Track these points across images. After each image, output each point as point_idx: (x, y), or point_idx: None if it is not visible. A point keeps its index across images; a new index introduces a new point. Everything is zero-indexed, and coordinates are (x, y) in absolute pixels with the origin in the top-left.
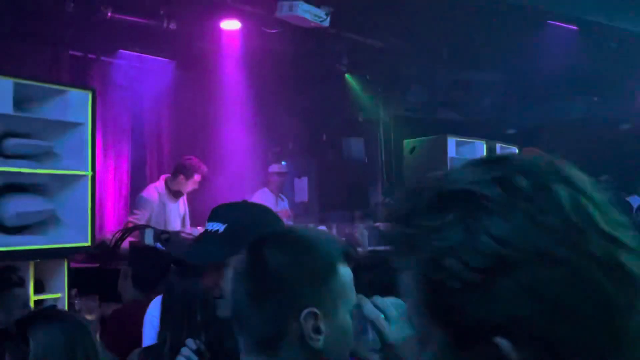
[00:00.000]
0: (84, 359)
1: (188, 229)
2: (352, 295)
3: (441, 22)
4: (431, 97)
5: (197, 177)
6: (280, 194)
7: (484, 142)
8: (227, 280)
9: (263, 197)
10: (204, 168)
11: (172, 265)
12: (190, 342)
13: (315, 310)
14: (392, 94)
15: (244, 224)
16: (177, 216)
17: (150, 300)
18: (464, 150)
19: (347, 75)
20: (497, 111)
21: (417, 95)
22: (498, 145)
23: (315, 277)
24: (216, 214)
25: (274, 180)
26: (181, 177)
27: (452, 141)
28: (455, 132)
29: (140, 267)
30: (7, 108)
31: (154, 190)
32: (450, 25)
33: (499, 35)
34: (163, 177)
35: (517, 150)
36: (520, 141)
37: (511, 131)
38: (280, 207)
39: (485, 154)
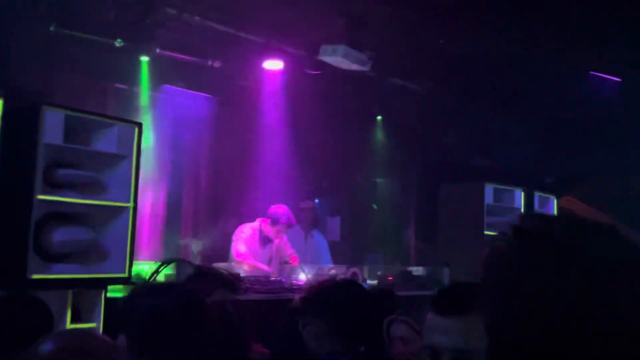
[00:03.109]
0: None
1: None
2: None
3: (479, 68)
4: (467, 143)
5: (280, 228)
6: (313, 231)
7: (521, 190)
8: None
9: (293, 234)
10: (291, 218)
11: None
12: None
13: None
14: (428, 138)
15: None
16: (264, 259)
17: None
18: (502, 198)
19: (378, 118)
20: (536, 159)
21: (453, 140)
22: (536, 195)
23: None
24: None
25: (303, 216)
26: (267, 222)
27: (489, 188)
28: (493, 179)
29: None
30: (58, 139)
31: (249, 229)
32: (489, 71)
33: (540, 81)
34: (259, 220)
35: (555, 200)
36: (559, 190)
37: (550, 180)
38: (309, 244)
39: (522, 202)
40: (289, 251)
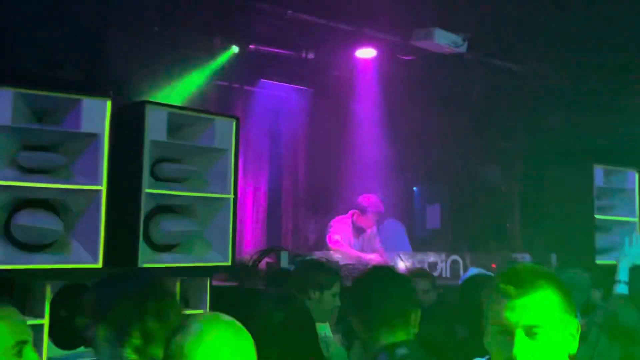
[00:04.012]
0: None
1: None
2: None
3: (586, 42)
4: (574, 123)
5: (370, 216)
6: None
7: (635, 170)
8: None
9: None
10: (379, 207)
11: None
12: None
13: None
14: (533, 120)
15: None
16: (358, 249)
17: None
18: (613, 179)
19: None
20: None
21: (560, 121)
22: None
23: None
24: None
25: None
26: (357, 213)
27: (599, 170)
28: (603, 160)
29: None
30: (162, 135)
31: (342, 221)
32: (597, 45)
33: None
34: (351, 211)
35: None
36: None
37: None
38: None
39: (637, 183)
40: (377, 245)
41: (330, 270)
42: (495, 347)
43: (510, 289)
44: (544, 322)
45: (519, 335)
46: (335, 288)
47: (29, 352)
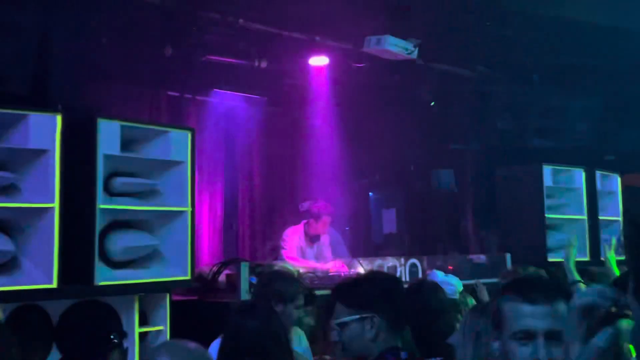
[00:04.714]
0: None
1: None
2: None
3: (531, 47)
4: (523, 125)
5: (325, 219)
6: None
7: (582, 169)
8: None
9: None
10: (330, 209)
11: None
12: None
13: None
14: (483, 123)
15: None
16: (312, 259)
17: None
18: (561, 179)
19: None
20: (595, 137)
21: (508, 123)
22: (598, 173)
23: None
24: None
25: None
26: (311, 220)
27: (547, 170)
28: (550, 160)
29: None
30: (115, 149)
31: (295, 231)
32: (541, 50)
33: (594, 58)
34: (303, 221)
35: (618, 177)
36: (621, 167)
37: (610, 157)
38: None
39: (584, 182)
40: (329, 254)
41: (294, 281)
42: (516, 353)
43: (532, 297)
44: (565, 326)
45: (543, 339)
46: (299, 300)
47: None
